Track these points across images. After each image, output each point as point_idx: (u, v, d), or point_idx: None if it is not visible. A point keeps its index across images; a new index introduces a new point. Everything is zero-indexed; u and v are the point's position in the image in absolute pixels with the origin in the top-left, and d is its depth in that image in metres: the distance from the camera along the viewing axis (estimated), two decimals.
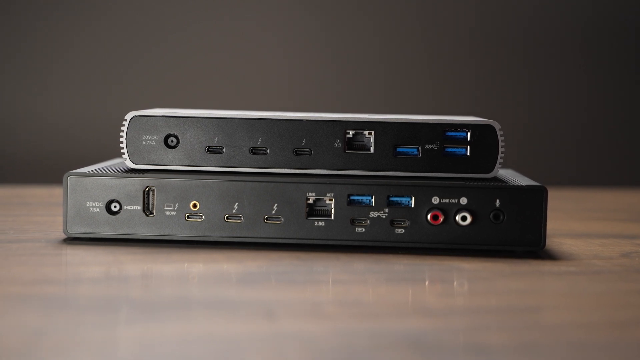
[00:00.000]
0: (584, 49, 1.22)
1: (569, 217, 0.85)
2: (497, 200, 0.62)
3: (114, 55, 1.16)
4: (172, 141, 0.64)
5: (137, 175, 0.63)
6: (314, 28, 1.19)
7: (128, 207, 0.63)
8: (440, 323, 0.47)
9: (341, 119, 0.64)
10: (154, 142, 0.64)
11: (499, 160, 0.64)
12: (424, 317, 0.48)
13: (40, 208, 0.80)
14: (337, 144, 0.64)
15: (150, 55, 1.17)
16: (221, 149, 0.64)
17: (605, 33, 1.22)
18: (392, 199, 0.63)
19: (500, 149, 0.64)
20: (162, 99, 1.14)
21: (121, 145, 0.64)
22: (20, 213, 0.80)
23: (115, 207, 0.63)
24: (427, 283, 0.56)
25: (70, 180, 0.63)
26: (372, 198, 0.63)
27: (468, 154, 0.64)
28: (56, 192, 0.85)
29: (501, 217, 0.62)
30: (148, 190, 0.63)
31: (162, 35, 1.17)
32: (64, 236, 0.64)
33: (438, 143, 0.64)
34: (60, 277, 0.55)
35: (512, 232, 0.62)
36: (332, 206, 0.63)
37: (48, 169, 1.10)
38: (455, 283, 0.57)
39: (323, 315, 0.48)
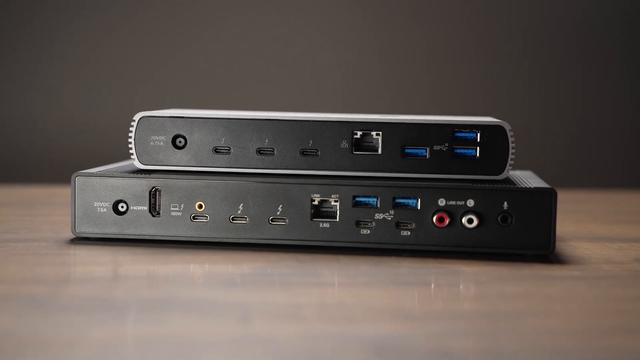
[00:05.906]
0: (607, 47, 1.19)
1: (593, 220, 0.82)
2: (505, 203, 0.61)
3: (125, 57, 1.17)
4: (180, 142, 0.64)
5: (143, 175, 0.63)
6: (318, 29, 1.18)
7: (135, 208, 0.63)
8: (416, 328, 0.46)
9: (349, 120, 0.63)
10: (162, 143, 0.64)
11: (510, 161, 0.62)
12: (400, 322, 0.47)
13: (62, 208, 0.81)
14: (345, 144, 0.63)
15: (160, 56, 1.17)
16: (228, 150, 0.64)
17: (621, 33, 1.18)
18: (397, 200, 0.62)
19: (511, 150, 0.62)
20: (173, 100, 1.15)
21: (130, 145, 0.64)
22: (39, 212, 0.81)
23: (122, 207, 0.63)
24: (419, 287, 0.55)
25: (77, 180, 0.64)
26: (377, 200, 0.62)
27: (478, 155, 0.62)
28: None
29: (509, 220, 0.61)
30: (154, 190, 0.63)
31: (172, 37, 1.17)
32: (72, 236, 0.65)
33: (447, 144, 0.63)
34: (51, 277, 0.55)
35: (521, 235, 0.61)
36: (337, 208, 0.62)
37: (74, 169, 1.12)
38: (448, 287, 0.55)
39: (298, 318, 0.47)
